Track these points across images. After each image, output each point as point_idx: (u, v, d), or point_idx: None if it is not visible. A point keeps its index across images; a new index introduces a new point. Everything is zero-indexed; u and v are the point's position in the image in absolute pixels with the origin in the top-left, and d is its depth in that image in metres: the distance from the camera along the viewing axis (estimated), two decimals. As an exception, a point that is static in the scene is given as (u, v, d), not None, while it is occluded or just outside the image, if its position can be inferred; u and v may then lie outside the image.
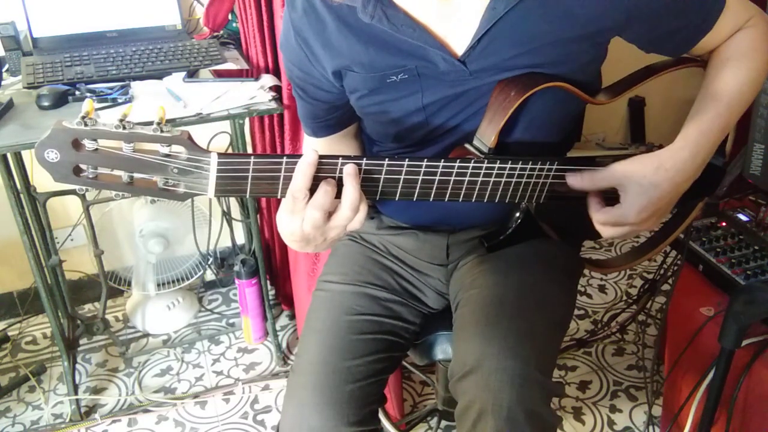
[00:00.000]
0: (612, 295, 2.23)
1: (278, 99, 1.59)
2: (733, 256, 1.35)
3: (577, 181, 0.95)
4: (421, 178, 0.87)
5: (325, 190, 0.82)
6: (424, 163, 0.86)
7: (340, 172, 0.82)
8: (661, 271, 1.88)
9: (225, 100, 1.54)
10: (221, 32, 1.88)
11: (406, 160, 0.85)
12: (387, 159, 0.85)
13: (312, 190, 0.81)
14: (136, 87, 1.58)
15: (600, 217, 0.97)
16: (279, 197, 0.83)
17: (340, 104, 1.04)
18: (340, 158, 0.82)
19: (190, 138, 0.75)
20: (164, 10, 1.79)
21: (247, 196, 0.81)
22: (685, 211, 1.21)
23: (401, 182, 0.87)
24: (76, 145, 0.74)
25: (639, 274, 2.30)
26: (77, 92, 1.53)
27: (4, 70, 1.68)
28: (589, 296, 2.22)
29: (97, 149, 0.74)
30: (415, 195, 0.89)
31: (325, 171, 0.82)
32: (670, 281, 1.86)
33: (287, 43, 0.99)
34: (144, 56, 1.68)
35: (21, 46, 1.68)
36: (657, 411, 1.72)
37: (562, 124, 1.04)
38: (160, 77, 1.63)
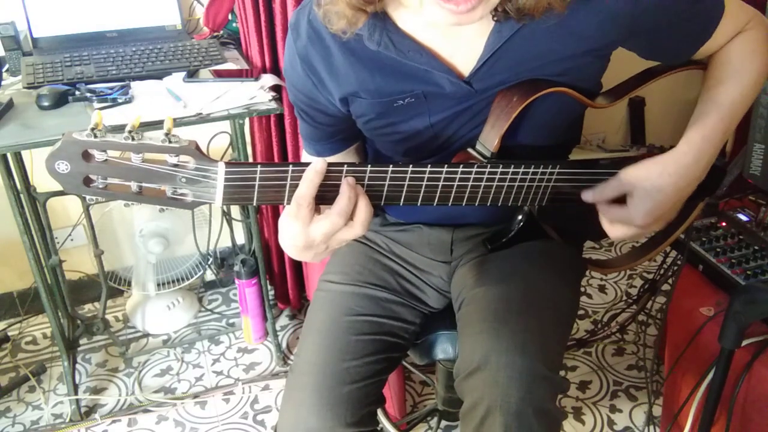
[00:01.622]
0: (612, 295, 2.23)
1: (278, 99, 1.59)
2: (733, 256, 1.35)
3: (589, 196, 0.98)
4: (424, 183, 0.87)
5: (348, 197, 0.82)
6: (428, 169, 0.86)
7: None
8: (661, 271, 1.88)
9: (225, 100, 1.54)
10: (221, 32, 1.88)
11: (410, 166, 0.86)
12: (391, 165, 0.85)
13: (317, 197, 0.82)
14: (136, 87, 1.58)
15: (609, 214, 0.98)
16: (285, 204, 0.83)
17: (345, 126, 1.04)
18: (345, 165, 0.83)
19: (197, 148, 0.76)
20: (164, 10, 1.79)
21: (254, 204, 0.81)
22: (685, 212, 1.22)
23: (405, 188, 0.87)
24: (86, 156, 0.74)
25: (639, 274, 2.31)
26: (77, 92, 1.52)
27: (4, 70, 1.67)
28: (589, 296, 2.22)
29: (106, 160, 0.74)
30: (419, 200, 0.89)
31: (330, 179, 0.82)
32: (670, 281, 1.87)
33: (293, 71, 0.99)
34: (144, 56, 1.68)
35: (21, 46, 1.68)
36: (657, 411, 1.72)
37: (563, 127, 1.04)
38: (160, 77, 1.63)
